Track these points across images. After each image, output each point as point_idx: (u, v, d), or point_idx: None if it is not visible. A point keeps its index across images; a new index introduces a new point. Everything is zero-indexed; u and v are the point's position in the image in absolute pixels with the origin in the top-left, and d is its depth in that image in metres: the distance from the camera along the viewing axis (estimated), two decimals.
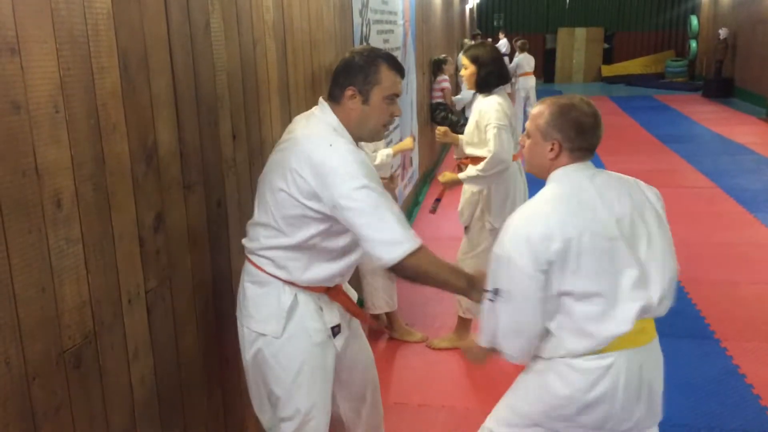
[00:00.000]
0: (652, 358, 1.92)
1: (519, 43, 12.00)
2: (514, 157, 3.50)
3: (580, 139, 1.89)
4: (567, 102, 1.92)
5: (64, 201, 1.48)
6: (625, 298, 1.81)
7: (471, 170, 3.46)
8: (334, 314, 2.12)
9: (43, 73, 1.41)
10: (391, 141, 5.11)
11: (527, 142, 1.98)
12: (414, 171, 6.75)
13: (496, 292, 1.86)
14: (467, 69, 3.52)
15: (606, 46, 20.80)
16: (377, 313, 3.86)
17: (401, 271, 1.89)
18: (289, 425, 2.08)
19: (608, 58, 20.72)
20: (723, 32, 15.26)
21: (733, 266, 4.92)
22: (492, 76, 3.48)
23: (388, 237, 1.84)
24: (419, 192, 7.26)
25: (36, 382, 1.42)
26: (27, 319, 1.39)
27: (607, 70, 20.27)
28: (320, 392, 2.10)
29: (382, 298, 3.80)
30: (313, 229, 1.95)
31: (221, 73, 2.24)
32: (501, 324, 1.88)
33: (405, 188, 6.08)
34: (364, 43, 4.41)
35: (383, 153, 3.61)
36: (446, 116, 8.04)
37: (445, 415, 3.16)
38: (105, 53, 1.61)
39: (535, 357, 1.95)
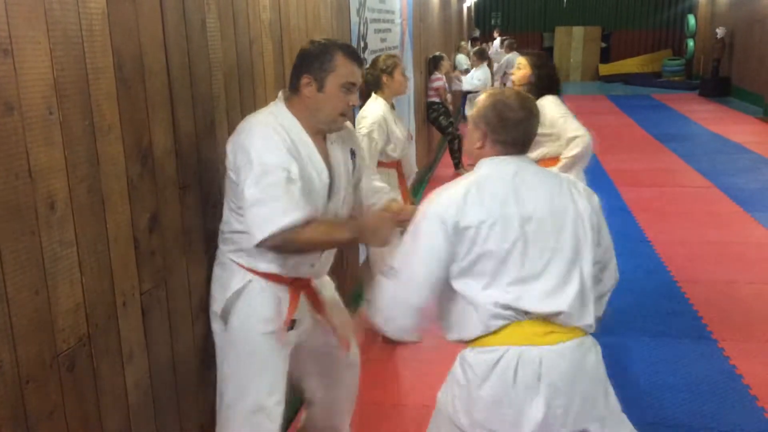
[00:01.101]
0: (563, 360, 1.80)
1: (506, 42, 12.02)
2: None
3: (503, 131, 1.90)
4: (498, 94, 1.96)
5: (58, 203, 1.47)
6: (504, 294, 1.78)
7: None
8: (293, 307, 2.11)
9: (37, 74, 1.39)
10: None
11: (470, 126, 2.02)
12: None
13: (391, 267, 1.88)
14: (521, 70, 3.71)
15: (603, 45, 20.80)
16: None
17: (277, 247, 1.96)
18: (233, 413, 2.10)
19: (606, 56, 20.72)
20: (720, 31, 15.27)
21: (730, 266, 4.92)
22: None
23: (254, 218, 1.89)
24: (416, 192, 7.26)
25: (29, 385, 1.41)
26: (20, 322, 1.38)
27: (605, 69, 20.28)
28: (269, 383, 2.10)
29: None
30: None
31: (217, 73, 2.23)
32: (384, 299, 1.90)
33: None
34: (362, 43, 4.40)
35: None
36: (437, 117, 8.03)
37: None
38: (99, 53, 1.60)
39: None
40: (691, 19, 18.52)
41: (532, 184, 1.87)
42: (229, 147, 2.00)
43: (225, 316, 2.08)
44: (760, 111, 12.38)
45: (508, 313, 1.79)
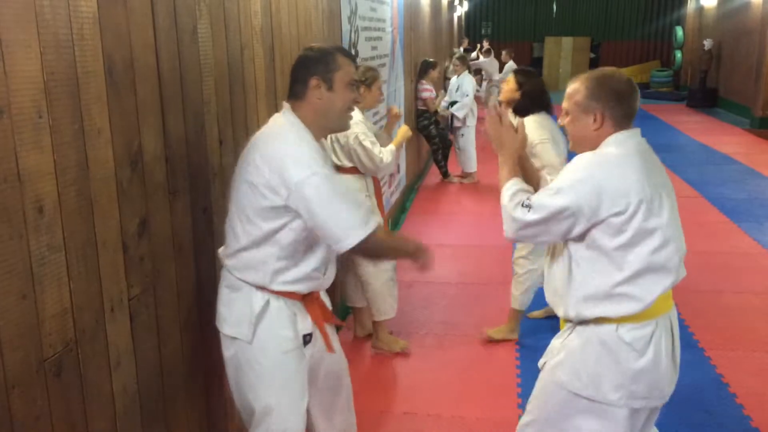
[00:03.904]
0: (676, 321, 2.04)
1: (484, 48, 12.62)
2: None
3: (621, 106, 1.97)
4: (601, 74, 2.02)
5: (47, 207, 1.46)
6: (671, 260, 1.92)
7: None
8: (307, 322, 2.12)
9: (27, 77, 1.39)
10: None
11: (566, 119, 2.05)
12: (401, 178, 6.75)
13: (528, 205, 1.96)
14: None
15: (592, 55, 20.95)
16: (379, 320, 3.82)
17: (358, 253, 2.00)
18: (261, 426, 2.09)
19: (594, 67, 20.70)
20: (708, 43, 15.41)
21: (717, 275, 4.95)
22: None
23: (342, 225, 1.92)
24: (406, 199, 7.26)
25: (15, 391, 1.39)
26: (7, 327, 1.37)
27: None
28: (292, 400, 2.10)
29: (387, 303, 3.76)
30: (274, 222, 1.96)
31: (208, 78, 2.23)
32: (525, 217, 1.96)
33: (392, 195, 6.08)
34: (353, 51, 4.41)
35: (388, 150, 3.60)
36: (427, 126, 7.98)
37: (431, 423, 3.15)
38: (90, 58, 1.59)
39: (578, 326, 2.02)
40: (679, 31, 18.70)
41: (653, 156, 2.03)
42: (263, 164, 1.93)
43: (251, 339, 2.04)
44: (746, 122, 12.49)
45: (669, 284, 1.93)
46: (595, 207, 1.86)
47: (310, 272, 2.07)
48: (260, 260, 2.01)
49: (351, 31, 4.37)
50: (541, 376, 2.15)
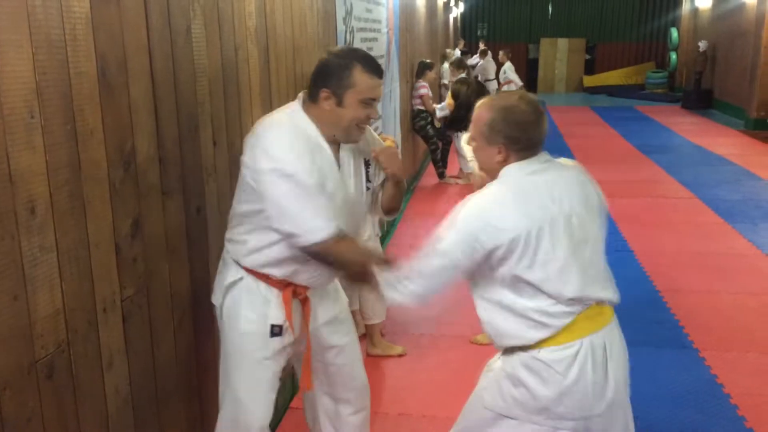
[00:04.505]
0: (615, 338, 1.97)
1: (480, 49, 13.37)
2: None
3: (524, 137, 1.88)
4: (505, 104, 1.90)
5: (39, 208, 1.45)
6: (565, 290, 1.83)
7: None
8: (280, 313, 2.07)
9: (19, 77, 1.38)
10: None
11: (473, 144, 1.98)
12: None
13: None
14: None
15: (588, 56, 21.00)
16: (371, 324, 3.80)
17: (313, 257, 1.99)
18: (223, 404, 2.13)
19: (590, 68, 20.92)
20: (702, 45, 15.46)
21: (711, 276, 4.96)
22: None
23: (288, 228, 1.91)
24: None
25: (6, 392, 1.39)
26: None
27: (589, 81, 20.45)
28: (250, 386, 2.08)
29: (380, 305, 3.76)
30: (255, 202, 1.96)
31: (202, 79, 2.22)
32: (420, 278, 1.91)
33: None
34: None
35: None
36: (424, 126, 7.97)
37: (426, 424, 3.14)
38: (83, 58, 1.59)
39: (497, 357, 2.01)
40: (674, 33, 18.75)
41: (556, 180, 1.90)
42: (248, 146, 1.97)
43: (220, 311, 2.10)
44: (741, 124, 12.53)
45: (576, 308, 1.85)
46: (477, 235, 1.81)
47: (287, 257, 2.01)
48: (241, 235, 2.04)
49: (346, 32, 4.36)
50: (471, 396, 2.10)
